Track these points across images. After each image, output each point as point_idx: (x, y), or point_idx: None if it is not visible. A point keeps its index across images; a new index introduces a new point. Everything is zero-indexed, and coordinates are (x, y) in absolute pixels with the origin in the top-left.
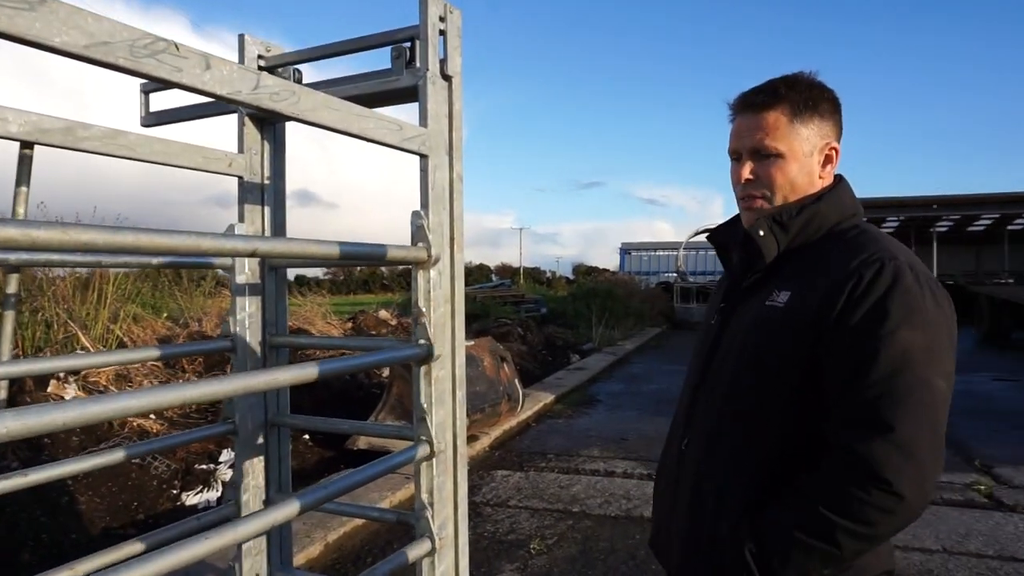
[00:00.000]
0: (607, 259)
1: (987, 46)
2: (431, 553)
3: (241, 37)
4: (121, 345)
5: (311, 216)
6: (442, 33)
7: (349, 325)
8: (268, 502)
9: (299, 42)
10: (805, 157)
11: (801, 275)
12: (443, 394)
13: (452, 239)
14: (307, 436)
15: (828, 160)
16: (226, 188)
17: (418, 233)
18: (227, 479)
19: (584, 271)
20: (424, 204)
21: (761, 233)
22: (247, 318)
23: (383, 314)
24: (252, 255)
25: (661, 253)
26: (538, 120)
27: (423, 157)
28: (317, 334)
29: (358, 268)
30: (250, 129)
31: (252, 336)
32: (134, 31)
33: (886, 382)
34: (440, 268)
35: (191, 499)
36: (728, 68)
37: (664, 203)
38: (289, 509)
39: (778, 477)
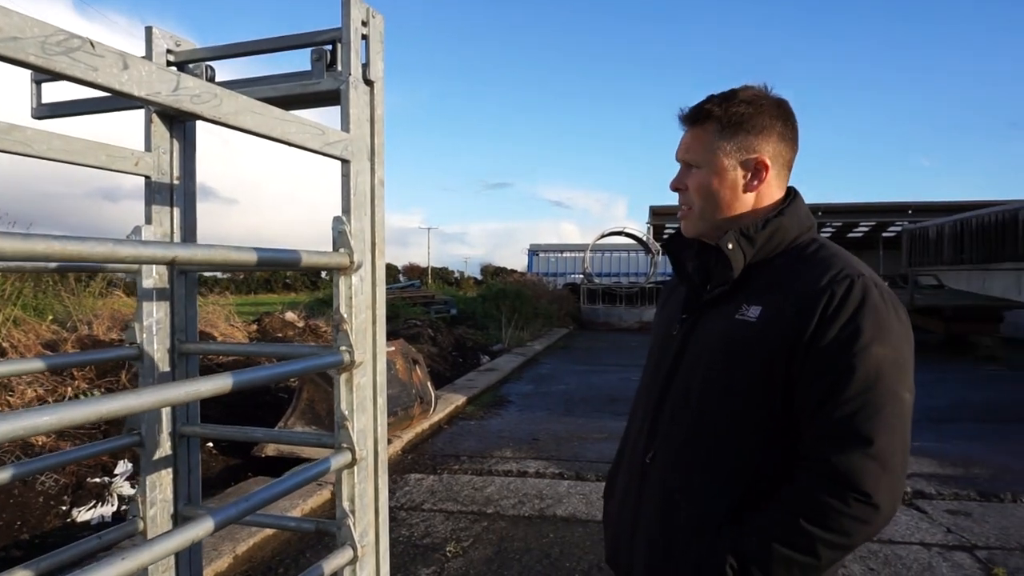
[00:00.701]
0: (515, 260)
1: (865, 64)
2: (353, 561)
3: (148, 30)
4: (0, 352)
5: (208, 212)
6: (364, 38)
7: (254, 327)
8: (177, 516)
9: (194, 27)
10: (727, 171)
11: (770, 290)
12: (364, 401)
13: (374, 245)
14: (211, 444)
15: (756, 174)
16: (116, 182)
17: (340, 239)
18: (124, 492)
19: (492, 272)
20: (346, 210)
21: (730, 246)
22: (154, 324)
23: (289, 316)
24: (171, 263)
25: (568, 255)
26: (446, 119)
27: (345, 162)
28: (220, 337)
29: None
30: (158, 126)
31: (160, 343)
32: (46, 26)
33: (862, 396)
34: (362, 274)
35: (83, 515)
36: (635, 74)
37: (570, 205)
38: (208, 524)
39: (753, 489)
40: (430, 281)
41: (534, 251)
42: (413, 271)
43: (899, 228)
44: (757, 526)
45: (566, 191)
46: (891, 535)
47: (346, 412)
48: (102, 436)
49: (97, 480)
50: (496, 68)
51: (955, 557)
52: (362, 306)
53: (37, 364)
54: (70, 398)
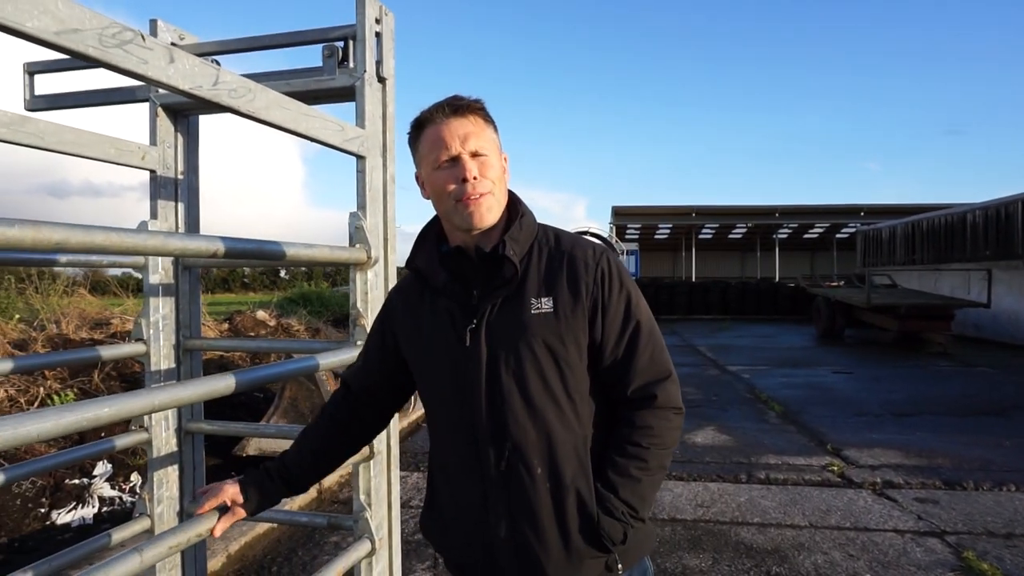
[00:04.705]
0: None
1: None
2: (371, 554)
3: (153, 23)
4: None
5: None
6: (377, 35)
7: (225, 327)
8: (183, 513)
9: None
10: (499, 160)
11: (550, 280)
12: None
13: (386, 241)
14: None
15: (506, 165)
16: (61, 176)
17: (357, 234)
18: (104, 494)
19: None
20: (361, 205)
21: (512, 252)
22: (160, 320)
23: (261, 315)
24: (214, 256)
25: None
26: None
27: (360, 158)
28: None
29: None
30: (163, 121)
31: (166, 339)
32: (102, 19)
33: (651, 340)
34: (377, 270)
35: (63, 518)
36: (595, 76)
37: (530, 205)
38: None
39: (600, 445)
40: None
41: None
42: None
43: (852, 230)
44: (623, 470)
45: (525, 191)
46: (866, 523)
47: None
48: (79, 437)
49: (76, 482)
50: (455, 62)
51: (927, 543)
52: (377, 301)
53: (42, 360)
54: (43, 398)
